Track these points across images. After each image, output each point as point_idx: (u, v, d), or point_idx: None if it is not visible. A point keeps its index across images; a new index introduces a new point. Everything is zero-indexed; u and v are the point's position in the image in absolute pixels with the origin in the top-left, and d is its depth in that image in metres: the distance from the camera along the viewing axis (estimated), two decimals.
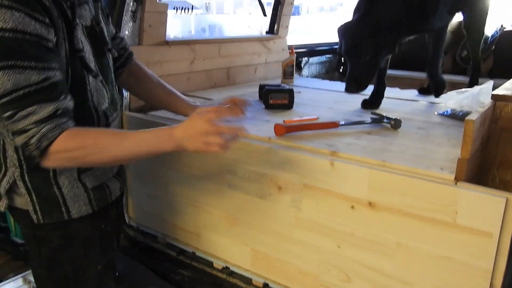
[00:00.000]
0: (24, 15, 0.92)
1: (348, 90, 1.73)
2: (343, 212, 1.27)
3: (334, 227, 1.30)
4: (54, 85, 0.97)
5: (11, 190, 1.11)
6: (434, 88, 2.14)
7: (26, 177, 1.08)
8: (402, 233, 1.18)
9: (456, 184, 1.10)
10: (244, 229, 1.51)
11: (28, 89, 0.93)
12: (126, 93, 1.89)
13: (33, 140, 0.95)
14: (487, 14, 2.11)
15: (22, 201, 1.10)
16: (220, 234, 1.59)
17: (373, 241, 1.23)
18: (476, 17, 2.10)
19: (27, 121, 0.94)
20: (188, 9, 2.83)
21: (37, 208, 1.09)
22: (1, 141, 1.08)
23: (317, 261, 1.36)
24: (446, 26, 2.11)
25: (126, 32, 1.90)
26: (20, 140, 0.96)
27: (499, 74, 3.20)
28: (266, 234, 1.46)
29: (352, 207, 1.24)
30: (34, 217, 1.10)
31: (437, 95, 2.13)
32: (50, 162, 1.00)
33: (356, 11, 1.76)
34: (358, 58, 1.69)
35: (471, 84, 2.12)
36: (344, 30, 1.73)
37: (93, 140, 1.02)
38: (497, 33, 3.30)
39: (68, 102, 1.00)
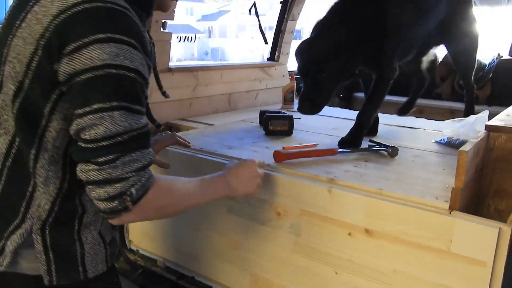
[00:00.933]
0: (143, 57, 0.89)
1: (300, 110, 1.67)
2: (340, 239, 1.29)
3: (332, 253, 1.31)
4: (149, 131, 0.93)
5: (21, 248, 0.94)
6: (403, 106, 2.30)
7: (47, 231, 0.95)
8: (399, 261, 1.19)
9: (450, 213, 1.13)
10: (244, 253, 1.53)
11: (133, 133, 0.87)
12: None
13: (133, 190, 0.87)
14: (476, 43, 2.15)
15: (29, 265, 0.95)
16: (219, 259, 1.61)
17: (370, 268, 1.25)
18: (464, 48, 2.14)
19: (128, 168, 0.87)
20: (192, 39, 2.91)
21: (53, 268, 0.95)
22: (29, 189, 0.93)
23: (315, 287, 1.37)
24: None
25: None
26: (112, 190, 0.86)
27: (497, 101, 3.26)
28: (265, 259, 1.47)
29: (350, 234, 1.27)
30: (47, 278, 0.94)
31: (399, 113, 2.30)
32: (133, 215, 0.92)
33: (314, 29, 1.72)
34: (313, 78, 1.61)
35: (466, 114, 2.17)
36: (300, 48, 1.67)
37: (180, 190, 1.03)
38: (494, 61, 3.37)
39: None
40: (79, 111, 0.85)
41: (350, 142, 1.70)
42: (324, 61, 1.58)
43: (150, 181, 0.91)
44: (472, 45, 2.16)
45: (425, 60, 2.22)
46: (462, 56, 2.19)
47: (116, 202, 0.87)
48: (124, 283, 1.83)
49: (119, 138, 0.85)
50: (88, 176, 0.86)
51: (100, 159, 0.85)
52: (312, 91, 1.63)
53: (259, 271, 1.50)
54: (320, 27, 1.69)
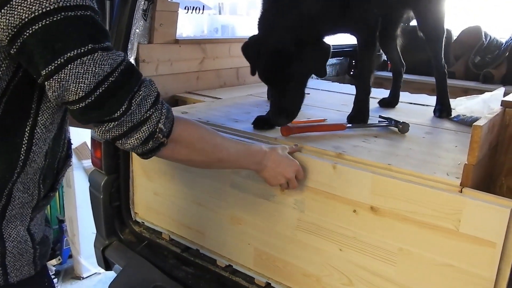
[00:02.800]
0: None
1: (277, 123, 1.48)
2: (345, 216, 1.26)
3: (336, 230, 1.29)
4: (129, 60, 0.86)
5: None
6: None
7: None
8: (405, 239, 1.16)
9: (461, 190, 1.09)
10: (247, 228, 1.51)
11: (121, 68, 0.80)
12: None
13: (161, 125, 0.84)
14: (443, 13, 1.82)
15: None
16: (223, 233, 1.60)
17: (375, 246, 1.22)
18: (431, 18, 1.82)
19: (144, 108, 0.82)
20: (199, 9, 2.84)
21: None
22: None
23: (319, 264, 1.35)
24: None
25: (137, 30, 1.92)
26: (141, 134, 0.82)
27: None
28: (269, 234, 1.45)
29: (354, 211, 1.24)
30: None
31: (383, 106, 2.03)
32: (169, 151, 0.90)
33: (262, 23, 1.45)
34: (283, 84, 1.41)
35: (439, 93, 1.87)
36: (251, 49, 1.47)
37: (208, 134, 1.00)
38: (511, 39, 3.26)
39: None
40: (50, 68, 0.74)
41: (356, 117, 1.63)
42: (289, 60, 1.35)
43: (171, 111, 0.89)
44: (440, 13, 1.83)
45: (398, 40, 2.05)
46: (433, 24, 1.82)
47: (151, 143, 0.85)
48: (129, 255, 1.86)
49: (112, 79, 0.78)
50: (113, 134, 0.82)
51: (115, 114, 0.79)
52: (284, 99, 1.42)
53: (263, 246, 1.48)
54: (268, 19, 1.44)
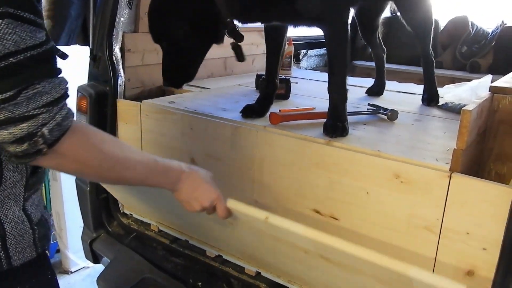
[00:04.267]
0: None
1: (164, 83, 1.46)
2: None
3: None
4: (54, 50, 0.74)
5: None
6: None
7: None
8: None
9: (451, 175, 1.09)
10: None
11: (31, 53, 0.68)
12: (121, 81, 1.87)
13: (45, 130, 0.71)
14: (430, 4, 1.79)
15: None
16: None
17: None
18: (417, 11, 1.77)
19: (34, 104, 0.70)
20: None
21: None
22: None
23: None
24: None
25: (122, 19, 1.88)
26: (17, 130, 0.69)
27: (499, 70, 3.19)
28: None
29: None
30: None
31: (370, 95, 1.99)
32: (51, 161, 0.77)
33: None
34: (169, 42, 1.34)
35: (426, 82, 1.86)
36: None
37: (110, 150, 0.85)
38: (497, 28, 3.28)
39: None
40: None
41: (334, 126, 1.35)
42: (179, 20, 1.29)
43: (69, 120, 0.75)
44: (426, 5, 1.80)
45: (380, 27, 2.03)
46: (419, 13, 1.78)
47: (26, 145, 0.70)
48: (117, 247, 1.84)
49: (12, 59, 0.65)
50: None
51: None
52: (171, 58, 1.36)
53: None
54: None
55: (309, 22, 1.44)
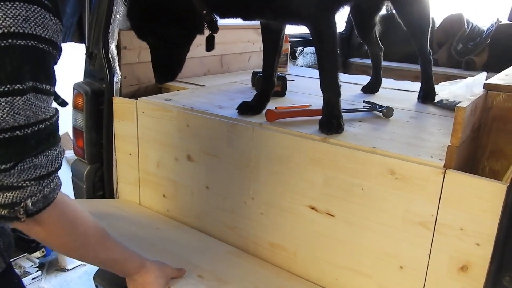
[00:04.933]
0: (57, 21, 0.70)
1: (156, 80, 1.49)
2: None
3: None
4: (58, 119, 0.75)
5: None
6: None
7: None
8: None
9: (445, 171, 1.10)
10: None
11: (39, 126, 0.69)
12: (117, 78, 1.87)
13: (29, 202, 0.70)
14: (427, 2, 1.78)
15: None
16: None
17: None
18: (413, 11, 1.77)
19: (25, 176, 0.68)
20: None
21: None
22: None
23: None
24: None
25: (118, 16, 1.88)
26: (1, 199, 0.67)
27: (494, 68, 3.20)
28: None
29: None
30: None
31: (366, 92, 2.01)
32: (23, 226, 0.74)
33: None
34: (153, 37, 1.38)
35: (424, 79, 1.87)
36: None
37: (84, 232, 0.85)
38: (492, 26, 3.29)
39: None
40: None
41: (329, 123, 1.35)
42: (160, 16, 1.31)
43: (56, 192, 0.75)
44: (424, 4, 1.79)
45: (377, 26, 2.03)
46: (415, 12, 1.77)
47: (6, 211, 0.69)
48: None
49: (18, 133, 0.65)
50: None
51: None
52: (158, 55, 1.41)
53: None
54: None
55: (291, 21, 1.44)
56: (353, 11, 1.98)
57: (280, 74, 1.95)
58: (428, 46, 1.84)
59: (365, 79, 2.15)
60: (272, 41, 1.61)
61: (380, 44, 2.08)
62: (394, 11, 1.84)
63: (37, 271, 2.77)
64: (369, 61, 2.13)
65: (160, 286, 1.09)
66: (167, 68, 1.44)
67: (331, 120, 1.36)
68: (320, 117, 1.40)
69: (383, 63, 2.14)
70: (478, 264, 1.06)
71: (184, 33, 1.39)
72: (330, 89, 1.40)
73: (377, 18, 2.02)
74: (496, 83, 1.30)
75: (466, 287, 1.08)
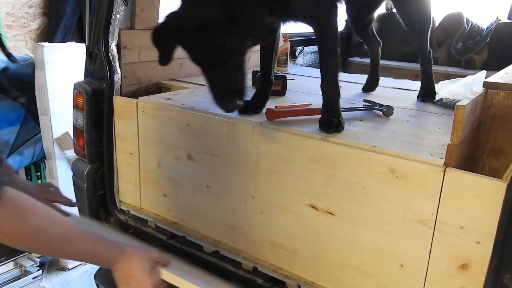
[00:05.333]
0: None
1: (230, 108, 1.29)
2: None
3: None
4: None
5: None
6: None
7: None
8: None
9: (445, 170, 1.10)
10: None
11: None
12: (117, 78, 1.87)
13: None
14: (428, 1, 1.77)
15: None
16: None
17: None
18: (414, 10, 1.76)
19: None
20: None
21: None
22: None
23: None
24: None
25: (118, 16, 1.88)
26: None
27: (494, 67, 3.20)
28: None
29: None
30: None
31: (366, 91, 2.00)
32: None
33: None
34: (223, 61, 1.22)
35: (424, 78, 1.87)
36: (164, 32, 1.27)
37: (36, 225, 0.84)
38: (492, 24, 3.29)
39: None
40: None
41: (329, 122, 1.35)
42: (223, 31, 1.17)
43: (1, 190, 0.75)
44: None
45: (374, 22, 2.03)
46: (415, 11, 1.76)
47: None
48: None
49: None
50: None
51: None
52: (228, 79, 1.24)
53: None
54: None
55: (298, 19, 1.44)
56: (350, 6, 1.97)
57: (280, 74, 1.95)
58: (429, 45, 1.84)
59: (365, 78, 2.15)
60: None
61: (378, 38, 2.07)
62: (394, 10, 1.85)
63: (38, 270, 2.78)
64: (369, 60, 2.13)
65: (145, 269, 1.04)
66: (240, 87, 1.27)
67: (331, 119, 1.36)
68: (320, 116, 1.41)
69: (383, 62, 2.14)
70: (478, 262, 1.06)
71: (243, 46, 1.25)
72: (330, 88, 1.40)
73: (374, 14, 2.02)
74: (495, 81, 1.31)
75: (466, 285, 1.09)
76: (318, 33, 1.40)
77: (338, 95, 1.41)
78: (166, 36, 1.26)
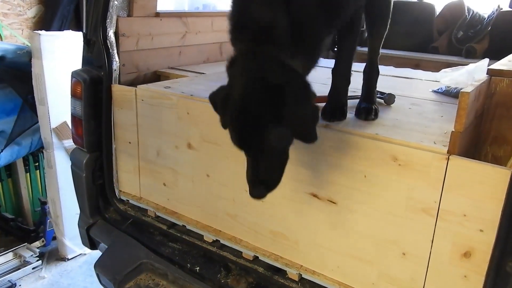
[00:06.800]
0: None
1: (254, 195, 1.12)
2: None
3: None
4: None
5: None
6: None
7: None
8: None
9: (448, 157, 1.09)
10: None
11: None
12: (115, 66, 1.85)
13: None
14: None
15: None
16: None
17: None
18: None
19: None
20: None
21: None
22: None
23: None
24: None
25: (116, 3, 1.85)
26: None
27: (495, 55, 3.18)
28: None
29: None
30: None
31: None
32: None
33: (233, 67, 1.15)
34: (263, 148, 1.09)
35: (367, 80, 1.52)
36: (219, 97, 1.17)
37: None
38: (493, 13, 3.27)
39: None
40: None
41: (333, 110, 1.32)
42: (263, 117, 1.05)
43: None
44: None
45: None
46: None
47: None
48: (114, 233, 1.83)
49: None
50: None
51: None
52: (262, 167, 1.11)
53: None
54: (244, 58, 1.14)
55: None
56: None
57: None
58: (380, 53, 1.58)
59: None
60: None
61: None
62: None
63: (37, 260, 2.78)
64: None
65: None
66: (272, 178, 1.13)
67: (336, 106, 1.35)
68: (323, 104, 1.39)
69: (384, 51, 2.11)
70: (481, 250, 1.05)
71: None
72: (342, 76, 1.40)
73: None
74: (500, 68, 1.29)
75: (469, 273, 1.08)
76: (350, 25, 1.31)
77: (348, 83, 1.42)
78: (218, 102, 1.18)
